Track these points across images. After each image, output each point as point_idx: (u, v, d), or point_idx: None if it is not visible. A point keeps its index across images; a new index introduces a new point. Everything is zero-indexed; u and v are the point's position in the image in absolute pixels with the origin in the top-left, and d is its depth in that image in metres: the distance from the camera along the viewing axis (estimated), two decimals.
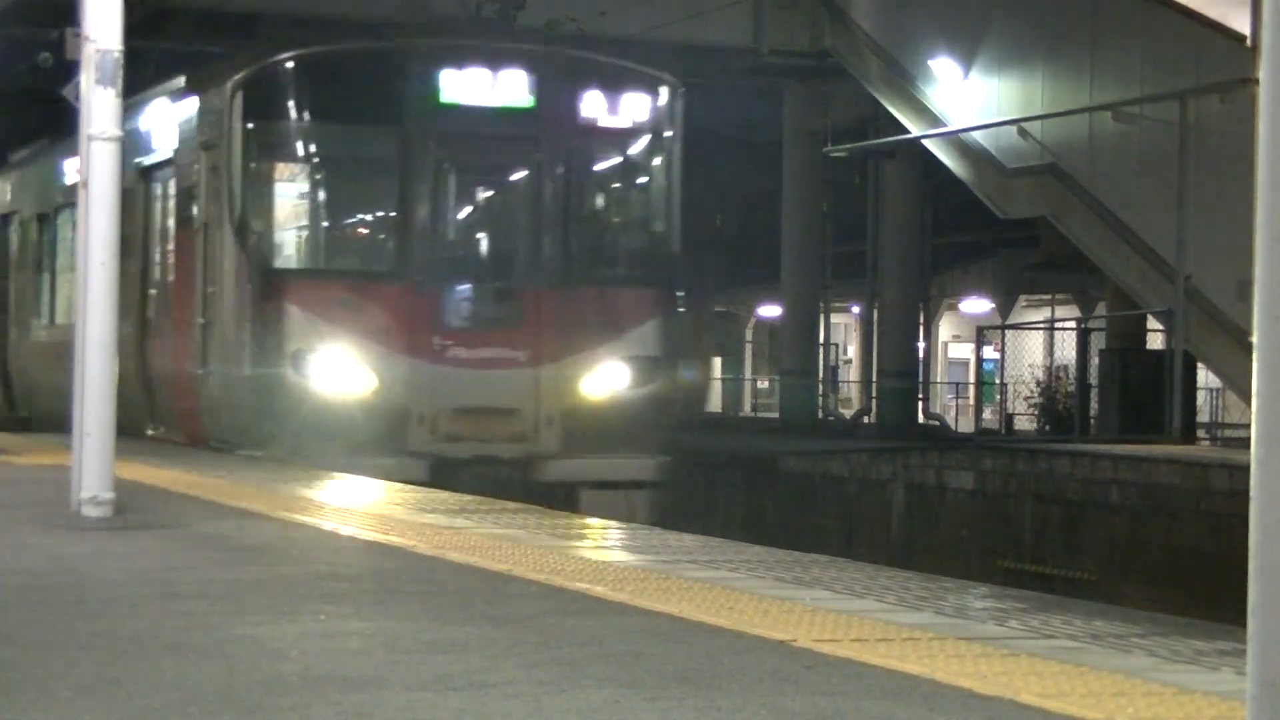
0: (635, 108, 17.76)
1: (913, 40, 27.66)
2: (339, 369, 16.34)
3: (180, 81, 19.50)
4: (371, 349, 16.40)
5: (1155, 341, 27.00)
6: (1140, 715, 5.01)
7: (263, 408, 16.48)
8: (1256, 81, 3.64)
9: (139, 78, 20.97)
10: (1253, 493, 3.54)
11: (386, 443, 16.23)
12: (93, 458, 10.78)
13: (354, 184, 17.87)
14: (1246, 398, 15.33)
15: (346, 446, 15.99)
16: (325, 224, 17.51)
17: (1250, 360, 3.60)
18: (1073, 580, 18.69)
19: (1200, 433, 27.23)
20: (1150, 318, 25.89)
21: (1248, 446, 3.70)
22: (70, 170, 22.59)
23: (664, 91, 17.96)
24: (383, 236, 17.79)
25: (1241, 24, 22.95)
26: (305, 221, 17.29)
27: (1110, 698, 5.26)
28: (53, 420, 22.28)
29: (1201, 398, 29.39)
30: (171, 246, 19.41)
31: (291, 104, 17.10)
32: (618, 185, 18.66)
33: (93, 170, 10.96)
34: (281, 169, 17.51)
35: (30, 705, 5.06)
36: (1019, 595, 8.13)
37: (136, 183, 19.73)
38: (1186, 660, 6.07)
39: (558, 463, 16.81)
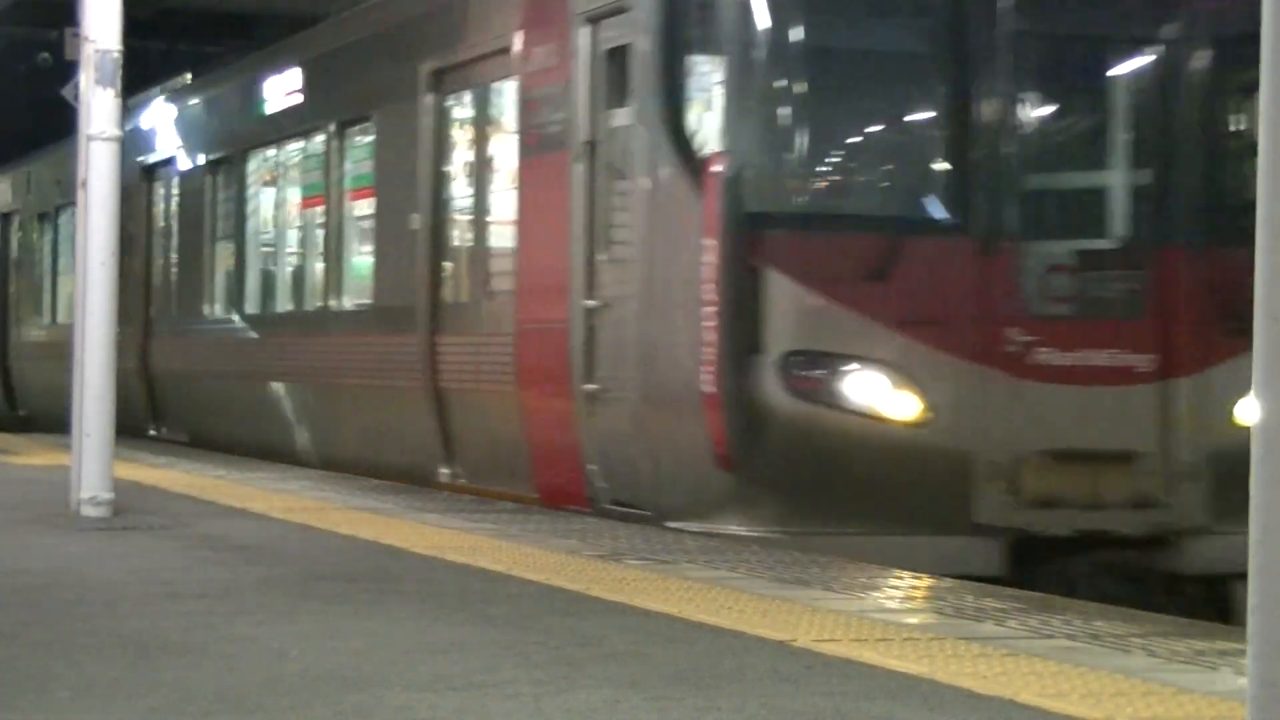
0: None
1: None
2: (863, 385, 10.19)
3: None
4: (912, 350, 10.21)
5: None
6: (1140, 715, 5.01)
7: (729, 451, 10.12)
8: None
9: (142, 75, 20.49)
10: (1252, 492, 3.54)
11: (936, 510, 10.15)
12: (92, 458, 10.79)
13: (874, 77, 11.08)
14: None
15: (870, 516, 10.12)
16: (827, 143, 10.92)
17: None
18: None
19: None
20: None
21: None
22: (198, 125, 19.81)
23: None
24: (922, 162, 10.95)
25: None
26: (794, 139, 10.60)
27: (1110, 698, 5.26)
28: (202, 438, 18.58)
29: None
30: (505, 187, 12.79)
31: None
32: None
33: (92, 170, 10.96)
34: (750, 50, 10.52)
35: (30, 705, 5.05)
36: (1019, 595, 8.12)
37: (426, 95, 13.75)
38: (1186, 660, 6.07)
39: (1207, 542, 10.40)
